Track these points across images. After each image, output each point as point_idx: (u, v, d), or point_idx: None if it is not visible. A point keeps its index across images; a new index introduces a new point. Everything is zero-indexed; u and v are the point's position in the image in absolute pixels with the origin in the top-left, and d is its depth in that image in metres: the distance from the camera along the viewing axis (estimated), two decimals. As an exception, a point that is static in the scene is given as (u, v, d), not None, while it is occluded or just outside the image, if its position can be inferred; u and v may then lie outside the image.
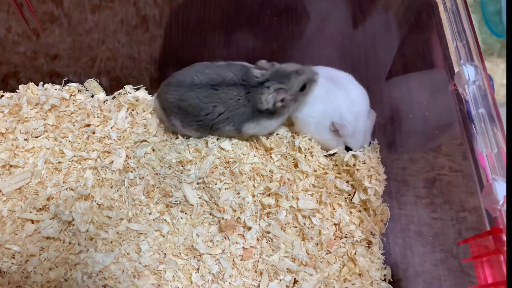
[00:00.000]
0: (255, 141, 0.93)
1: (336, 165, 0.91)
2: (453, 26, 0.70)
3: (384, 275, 0.84)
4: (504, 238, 0.56)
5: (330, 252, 0.84)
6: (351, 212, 0.88)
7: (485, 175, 0.63)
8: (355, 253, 0.83)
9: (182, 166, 0.86)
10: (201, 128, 0.90)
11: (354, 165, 0.92)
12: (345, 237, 0.86)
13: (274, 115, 0.89)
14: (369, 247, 0.86)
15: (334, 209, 0.88)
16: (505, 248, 0.55)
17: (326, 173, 0.90)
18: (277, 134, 0.96)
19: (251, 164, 0.89)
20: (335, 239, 0.86)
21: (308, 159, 0.91)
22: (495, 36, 1.25)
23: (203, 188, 0.85)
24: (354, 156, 0.94)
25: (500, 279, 0.56)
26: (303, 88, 0.87)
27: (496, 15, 1.24)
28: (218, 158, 0.89)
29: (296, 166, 0.91)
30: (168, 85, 0.90)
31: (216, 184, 0.85)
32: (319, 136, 0.93)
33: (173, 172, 0.86)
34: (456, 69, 0.69)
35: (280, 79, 0.85)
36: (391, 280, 0.83)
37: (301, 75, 0.86)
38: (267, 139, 0.93)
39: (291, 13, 0.94)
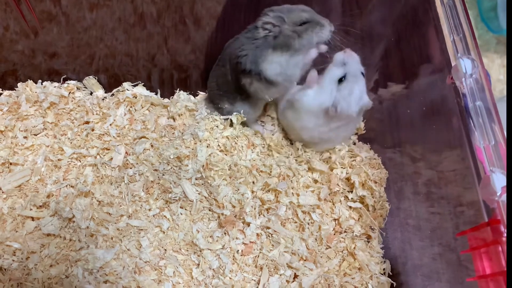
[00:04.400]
0: (253, 137, 0.94)
1: (333, 162, 0.92)
2: (450, 20, 0.71)
3: (384, 269, 0.84)
4: (502, 229, 0.57)
5: (330, 247, 0.84)
6: (350, 207, 0.89)
7: (483, 167, 0.64)
8: (354, 248, 0.84)
9: (180, 161, 0.86)
10: (239, 101, 0.91)
11: (353, 160, 0.93)
12: (345, 232, 0.87)
13: (283, 48, 0.82)
14: (368, 242, 0.87)
15: (334, 204, 0.89)
16: (504, 238, 0.56)
17: (331, 169, 0.91)
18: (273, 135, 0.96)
19: (250, 160, 0.90)
20: (334, 234, 0.86)
21: (308, 156, 0.92)
22: (491, 32, 1.26)
23: (202, 184, 0.85)
24: (352, 152, 0.94)
25: (498, 270, 0.56)
26: (303, 24, 0.82)
27: (491, 11, 1.25)
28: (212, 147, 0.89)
29: (298, 163, 0.91)
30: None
31: (215, 180, 0.85)
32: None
33: (171, 168, 0.86)
34: (453, 63, 0.70)
35: (283, 10, 0.82)
36: (390, 273, 0.84)
37: (305, 12, 0.82)
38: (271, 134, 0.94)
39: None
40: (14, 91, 0.98)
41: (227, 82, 0.90)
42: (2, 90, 1.00)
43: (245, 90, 0.88)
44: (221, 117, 0.93)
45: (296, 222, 0.86)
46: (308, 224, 0.85)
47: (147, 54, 1.01)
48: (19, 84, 0.98)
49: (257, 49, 0.83)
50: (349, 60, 0.85)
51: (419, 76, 0.83)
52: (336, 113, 0.83)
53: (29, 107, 0.94)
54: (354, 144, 0.98)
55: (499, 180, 0.58)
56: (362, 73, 0.85)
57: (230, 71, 0.88)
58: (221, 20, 0.97)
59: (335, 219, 0.87)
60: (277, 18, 0.81)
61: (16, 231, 0.82)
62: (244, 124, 0.95)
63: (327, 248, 0.84)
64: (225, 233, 0.83)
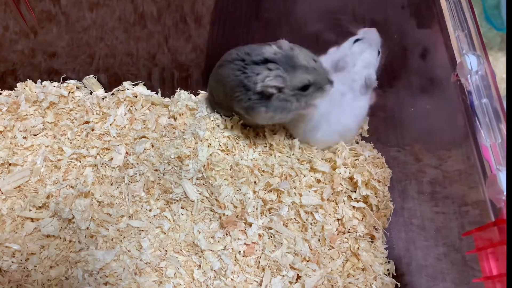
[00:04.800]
0: (255, 136, 0.93)
1: (336, 162, 0.90)
2: (455, 16, 0.70)
3: (388, 269, 0.83)
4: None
5: (333, 248, 0.83)
6: (353, 207, 0.88)
7: (489, 166, 0.63)
8: (358, 248, 0.82)
9: (180, 161, 0.85)
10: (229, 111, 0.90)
11: (356, 159, 0.92)
12: (348, 232, 0.85)
13: (277, 109, 0.81)
14: (372, 242, 0.86)
15: (337, 204, 0.87)
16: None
17: (333, 168, 0.90)
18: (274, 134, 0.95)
19: (252, 160, 0.88)
20: (338, 234, 0.85)
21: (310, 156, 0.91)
22: (495, 30, 1.24)
23: (203, 184, 0.84)
24: (355, 151, 0.93)
25: (505, 270, 0.55)
26: (304, 89, 0.79)
27: (495, 8, 1.24)
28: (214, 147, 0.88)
29: (300, 162, 0.90)
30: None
31: (216, 180, 0.84)
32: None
33: (172, 168, 0.85)
34: (458, 60, 0.69)
35: (286, 66, 0.77)
36: (395, 274, 0.83)
37: (308, 74, 0.77)
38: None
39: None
40: (13, 91, 0.98)
41: (219, 96, 0.89)
42: (1, 90, 0.99)
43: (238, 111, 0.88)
44: (223, 116, 0.92)
45: (298, 223, 0.84)
46: (311, 224, 0.84)
47: (148, 53, 1.00)
48: (18, 84, 0.97)
49: (250, 102, 0.81)
50: (368, 32, 0.88)
51: (423, 73, 0.82)
52: (339, 67, 0.85)
53: (29, 107, 0.93)
54: (357, 143, 0.97)
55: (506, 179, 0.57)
56: (379, 50, 0.86)
57: (222, 89, 0.86)
58: (221, 18, 0.97)
59: (338, 219, 0.86)
60: (279, 80, 0.76)
61: (16, 232, 0.81)
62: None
63: (330, 249, 0.83)
64: (226, 234, 0.82)
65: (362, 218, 0.87)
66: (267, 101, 0.80)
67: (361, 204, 0.87)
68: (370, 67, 0.85)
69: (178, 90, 1.00)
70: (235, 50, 0.84)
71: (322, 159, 0.91)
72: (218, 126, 0.91)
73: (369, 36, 0.87)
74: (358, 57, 0.85)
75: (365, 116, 0.93)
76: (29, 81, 0.98)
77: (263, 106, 0.80)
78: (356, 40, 0.87)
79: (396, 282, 0.81)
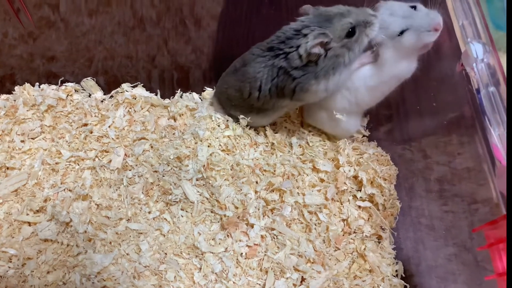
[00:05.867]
0: (256, 135, 0.91)
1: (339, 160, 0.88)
2: (458, 4, 0.68)
3: (396, 270, 0.80)
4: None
5: (339, 249, 0.81)
6: (359, 207, 0.85)
7: (497, 158, 0.60)
8: (364, 249, 0.80)
9: (180, 162, 0.83)
10: (253, 113, 0.86)
11: (360, 158, 0.89)
12: (354, 232, 0.83)
13: (329, 72, 0.73)
14: (379, 242, 0.83)
15: (342, 203, 0.85)
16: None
17: (337, 167, 0.87)
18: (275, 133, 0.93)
19: (253, 159, 0.86)
20: (343, 235, 0.82)
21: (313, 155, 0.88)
22: (501, 32, 1.22)
23: (204, 185, 0.82)
24: (358, 149, 0.91)
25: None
26: (351, 34, 0.72)
27: (502, 10, 1.22)
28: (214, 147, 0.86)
29: (302, 161, 0.88)
30: (220, 79, 0.90)
31: (216, 180, 0.82)
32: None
33: (171, 168, 0.83)
34: (462, 49, 0.66)
35: (321, 24, 0.71)
36: (403, 275, 0.80)
37: (347, 16, 0.70)
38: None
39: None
40: (11, 94, 0.97)
41: (241, 97, 0.84)
42: (-1, 95, 0.98)
43: (267, 107, 0.83)
44: (225, 116, 0.91)
45: (302, 223, 0.82)
46: (315, 224, 0.81)
47: (147, 56, 0.99)
48: (16, 88, 0.97)
49: (296, 82, 0.75)
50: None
51: (426, 66, 0.79)
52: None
53: (27, 110, 0.92)
54: (363, 139, 0.94)
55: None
56: (414, 6, 0.74)
57: (248, 89, 0.81)
58: (221, 19, 0.96)
59: (343, 219, 0.84)
60: (322, 36, 0.70)
61: (12, 237, 0.79)
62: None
63: (335, 250, 0.80)
64: (227, 235, 0.80)
65: (368, 218, 0.84)
66: (315, 70, 0.73)
67: (367, 203, 0.84)
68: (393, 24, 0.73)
69: (178, 91, 0.99)
70: (251, 50, 0.81)
71: (324, 158, 0.88)
72: (218, 126, 0.89)
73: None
74: (387, 18, 0.73)
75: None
76: (27, 85, 0.97)
77: (313, 79, 0.74)
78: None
79: (405, 284, 0.78)
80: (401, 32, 0.73)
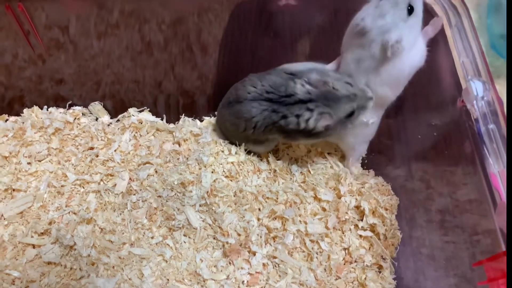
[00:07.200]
0: (259, 162, 0.92)
1: (338, 189, 0.89)
2: (459, 42, 0.69)
3: (396, 301, 0.81)
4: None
5: (340, 278, 0.81)
6: (360, 236, 0.85)
7: (498, 194, 0.62)
8: (365, 278, 0.80)
9: (184, 187, 0.84)
10: (250, 143, 0.89)
11: (361, 187, 0.90)
12: (355, 261, 0.83)
13: (312, 136, 0.79)
14: (379, 272, 0.83)
15: (343, 232, 0.85)
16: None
17: (338, 197, 0.88)
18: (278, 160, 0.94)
19: (256, 186, 0.87)
20: (344, 264, 0.83)
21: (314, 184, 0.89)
22: (502, 59, 1.24)
23: (206, 211, 0.83)
24: (359, 179, 0.92)
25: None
26: (350, 115, 0.77)
27: (501, 38, 1.24)
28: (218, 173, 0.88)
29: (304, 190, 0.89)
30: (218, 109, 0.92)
31: (219, 207, 0.83)
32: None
33: (175, 194, 0.84)
34: (463, 86, 0.68)
35: (326, 102, 0.75)
36: (404, 306, 0.80)
37: (352, 102, 0.75)
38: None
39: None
40: (20, 117, 0.98)
41: (237, 130, 0.87)
42: (8, 116, 1.00)
43: (262, 140, 0.87)
44: (226, 142, 0.92)
45: (304, 252, 0.82)
46: (317, 253, 0.82)
47: (154, 81, 1.01)
48: (25, 110, 0.98)
49: (287, 136, 0.82)
50: None
51: (428, 99, 0.81)
52: (358, 26, 0.73)
53: (34, 132, 0.94)
54: (364, 168, 0.95)
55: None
56: (410, 6, 0.72)
57: (244, 126, 0.84)
58: (227, 47, 0.98)
59: (345, 248, 0.84)
60: (326, 120, 0.75)
61: (16, 259, 0.80)
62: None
63: (336, 279, 0.81)
64: (229, 263, 0.80)
65: (370, 247, 0.85)
66: (308, 133, 0.78)
67: (368, 233, 0.85)
68: (391, 31, 0.71)
69: (182, 116, 1.00)
70: (244, 85, 0.83)
71: (326, 187, 0.89)
72: (222, 151, 0.90)
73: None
74: (378, 20, 0.72)
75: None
76: (36, 107, 0.99)
77: (304, 137, 0.80)
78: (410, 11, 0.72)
79: (405, 314, 0.78)
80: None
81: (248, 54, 0.98)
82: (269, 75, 0.82)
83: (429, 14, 0.76)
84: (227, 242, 0.80)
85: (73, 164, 0.91)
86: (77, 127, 0.97)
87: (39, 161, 0.92)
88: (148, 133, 0.96)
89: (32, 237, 0.82)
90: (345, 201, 0.86)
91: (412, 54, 0.75)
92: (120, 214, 0.85)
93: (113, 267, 0.78)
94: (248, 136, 0.86)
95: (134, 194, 0.86)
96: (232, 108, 0.86)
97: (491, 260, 0.60)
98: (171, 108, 1.02)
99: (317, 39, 0.90)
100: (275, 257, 0.80)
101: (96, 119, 1.01)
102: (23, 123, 0.96)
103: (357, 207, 0.87)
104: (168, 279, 0.78)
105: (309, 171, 0.92)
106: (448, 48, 0.71)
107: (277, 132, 0.82)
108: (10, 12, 0.87)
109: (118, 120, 1.00)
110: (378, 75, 0.77)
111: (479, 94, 0.64)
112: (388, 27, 0.71)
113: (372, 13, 0.73)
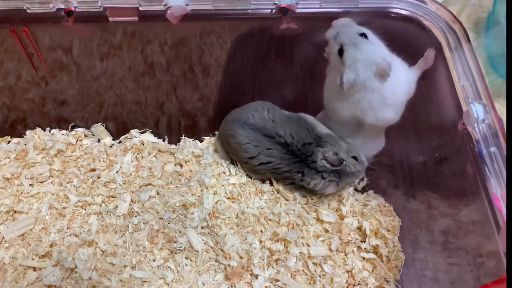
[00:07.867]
0: (261, 183, 0.92)
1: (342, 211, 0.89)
2: (459, 65, 0.70)
3: (400, 324, 0.80)
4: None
5: (343, 301, 0.80)
6: (363, 258, 0.85)
7: (501, 216, 0.61)
8: (368, 301, 0.79)
9: (185, 209, 0.84)
10: (249, 171, 0.91)
11: (363, 208, 0.90)
12: (358, 284, 0.82)
13: (310, 192, 0.89)
14: (383, 295, 0.82)
15: (346, 255, 0.85)
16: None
17: (341, 218, 0.88)
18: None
19: (258, 208, 0.87)
20: (347, 287, 0.82)
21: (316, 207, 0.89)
22: (501, 78, 1.25)
23: (208, 233, 0.83)
24: (361, 200, 0.92)
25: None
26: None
27: (501, 57, 1.25)
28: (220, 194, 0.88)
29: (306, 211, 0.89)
30: (224, 121, 0.93)
31: (221, 229, 0.82)
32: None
33: (177, 216, 0.84)
34: (464, 108, 0.69)
35: (338, 173, 0.84)
36: (408, 330, 0.79)
37: (357, 177, 0.87)
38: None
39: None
40: (22, 138, 0.99)
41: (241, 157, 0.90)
42: (11, 138, 1.00)
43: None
44: (227, 162, 0.93)
45: (307, 274, 0.82)
46: (320, 276, 0.81)
47: (156, 102, 1.02)
48: (27, 132, 0.99)
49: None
50: (339, 29, 0.77)
51: (430, 122, 0.81)
52: (343, 86, 0.74)
53: (36, 154, 0.94)
54: (363, 191, 0.95)
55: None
56: (363, 34, 0.75)
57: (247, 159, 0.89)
58: (228, 69, 0.98)
59: (348, 271, 0.83)
60: (333, 184, 0.85)
61: (17, 282, 0.79)
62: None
63: (339, 302, 0.80)
64: (232, 286, 0.79)
65: (373, 270, 0.84)
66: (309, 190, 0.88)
67: (371, 255, 0.84)
68: (374, 59, 0.73)
69: (183, 137, 1.01)
70: (274, 125, 0.87)
71: (328, 209, 0.89)
72: (224, 172, 0.90)
73: (345, 36, 0.75)
74: (355, 65, 0.74)
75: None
76: (38, 129, 0.99)
77: (302, 191, 0.90)
78: (341, 54, 0.76)
79: (410, 339, 0.77)
80: None
81: (249, 76, 0.99)
82: (294, 125, 0.87)
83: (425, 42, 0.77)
84: (229, 265, 0.80)
85: (74, 186, 0.91)
86: (79, 148, 0.97)
87: (41, 182, 0.92)
88: (150, 154, 0.97)
89: (33, 259, 0.81)
90: (347, 222, 0.86)
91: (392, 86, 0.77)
92: (122, 236, 0.84)
93: (114, 290, 0.78)
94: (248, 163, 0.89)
95: (135, 216, 0.86)
96: (251, 131, 0.87)
97: (496, 283, 0.60)
98: (173, 129, 1.03)
99: (318, 62, 0.91)
100: (277, 280, 0.79)
101: (98, 141, 1.01)
102: (25, 144, 0.96)
103: (359, 228, 0.87)
104: (169, 303, 0.78)
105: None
106: (448, 71, 0.72)
107: (275, 175, 0.88)
108: (14, 35, 0.88)
109: (120, 142, 1.00)
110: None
111: (479, 117, 0.65)
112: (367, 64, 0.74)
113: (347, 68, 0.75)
